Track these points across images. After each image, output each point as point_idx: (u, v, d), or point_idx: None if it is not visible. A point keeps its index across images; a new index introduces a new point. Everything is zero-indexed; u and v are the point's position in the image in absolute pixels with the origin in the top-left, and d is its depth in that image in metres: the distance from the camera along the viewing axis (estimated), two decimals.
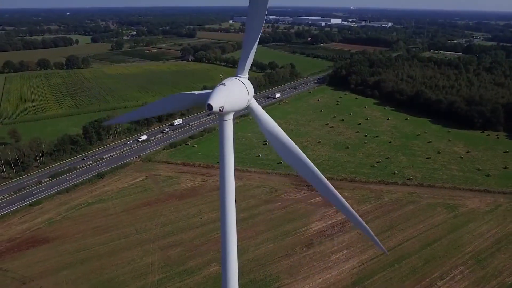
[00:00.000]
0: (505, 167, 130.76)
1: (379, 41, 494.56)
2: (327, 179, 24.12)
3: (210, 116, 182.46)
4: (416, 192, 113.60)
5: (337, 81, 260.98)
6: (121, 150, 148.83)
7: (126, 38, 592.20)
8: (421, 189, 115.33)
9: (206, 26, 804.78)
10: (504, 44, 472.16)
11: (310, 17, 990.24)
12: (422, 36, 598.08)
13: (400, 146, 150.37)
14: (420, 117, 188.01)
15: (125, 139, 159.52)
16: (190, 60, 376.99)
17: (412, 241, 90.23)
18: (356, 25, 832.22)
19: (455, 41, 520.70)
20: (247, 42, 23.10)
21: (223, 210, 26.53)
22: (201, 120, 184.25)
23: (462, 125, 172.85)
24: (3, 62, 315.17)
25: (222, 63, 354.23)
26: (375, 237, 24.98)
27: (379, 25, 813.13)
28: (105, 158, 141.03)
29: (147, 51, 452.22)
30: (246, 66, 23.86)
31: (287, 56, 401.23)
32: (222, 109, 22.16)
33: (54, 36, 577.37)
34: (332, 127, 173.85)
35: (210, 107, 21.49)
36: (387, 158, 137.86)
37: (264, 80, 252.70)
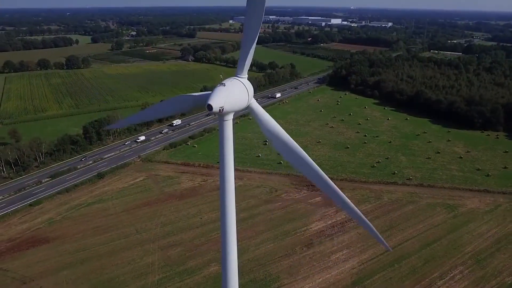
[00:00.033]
0: (505, 167, 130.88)
1: (379, 41, 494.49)
2: None
3: (210, 116, 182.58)
4: (416, 192, 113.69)
5: (337, 81, 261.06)
6: (121, 150, 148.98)
7: (126, 38, 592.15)
8: (420, 189, 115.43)
9: (206, 26, 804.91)
10: (504, 44, 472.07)
11: (310, 17, 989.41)
12: (422, 36, 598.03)
13: (400, 146, 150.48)
14: (420, 117, 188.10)
15: (125, 139, 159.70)
16: (190, 60, 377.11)
17: (412, 241, 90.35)
18: (356, 25, 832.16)
19: (455, 41, 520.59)
20: (245, 42, 23.10)
21: (223, 210, 26.57)
22: (201, 120, 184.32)
23: (462, 125, 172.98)
24: (3, 62, 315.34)
25: (222, 63, 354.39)
26: (379, 235, 25.08)
27: (379, 25, 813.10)
28: (105, 158, 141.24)
29: (147, 51, 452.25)
30: (245, 66, 23.89)
31: (287, 56, 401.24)
32: (222, 110, 22.21)
33: (54, 36, 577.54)
34: (332, 127, 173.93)
35: (210, 107, 21.57)
36: (387, 158, 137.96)
37: (264, 80, 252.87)
